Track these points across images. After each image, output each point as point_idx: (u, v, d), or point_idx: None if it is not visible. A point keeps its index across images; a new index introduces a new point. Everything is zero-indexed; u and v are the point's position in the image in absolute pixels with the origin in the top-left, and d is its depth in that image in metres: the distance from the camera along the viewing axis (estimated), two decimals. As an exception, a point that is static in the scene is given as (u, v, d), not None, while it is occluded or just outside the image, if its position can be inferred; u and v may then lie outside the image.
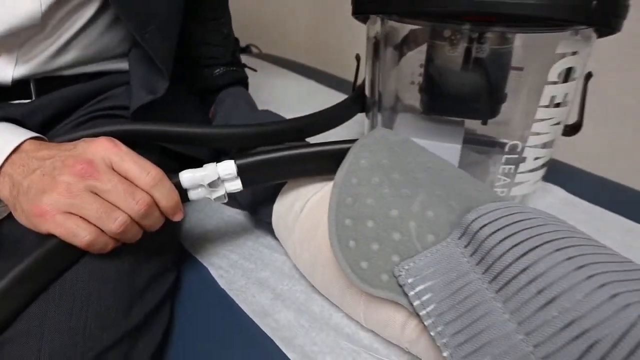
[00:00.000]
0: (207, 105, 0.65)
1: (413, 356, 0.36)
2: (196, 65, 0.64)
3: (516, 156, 0.46)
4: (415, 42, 0.54)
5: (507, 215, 0.30)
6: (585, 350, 0.24)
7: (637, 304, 0.24)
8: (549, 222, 0.30)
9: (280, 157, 0.40)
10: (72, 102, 0.50)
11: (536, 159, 0.46)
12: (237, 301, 0.43)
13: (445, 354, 0.28)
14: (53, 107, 0.48)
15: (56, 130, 0.48)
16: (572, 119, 0.52)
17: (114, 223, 0.33)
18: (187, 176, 0.38)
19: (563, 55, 0.40)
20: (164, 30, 0.50)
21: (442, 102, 0.55)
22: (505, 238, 0.29)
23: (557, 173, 0.61)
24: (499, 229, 0.29)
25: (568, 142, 0.54)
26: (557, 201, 0.57)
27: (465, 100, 0.53)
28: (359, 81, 0.63)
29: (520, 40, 0.48)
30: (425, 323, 0.30)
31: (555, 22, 0.38)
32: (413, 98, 0.59)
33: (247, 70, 0.72)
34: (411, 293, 0.31)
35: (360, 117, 0.61)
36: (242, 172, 0.39)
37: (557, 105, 0.43)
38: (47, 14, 0.44)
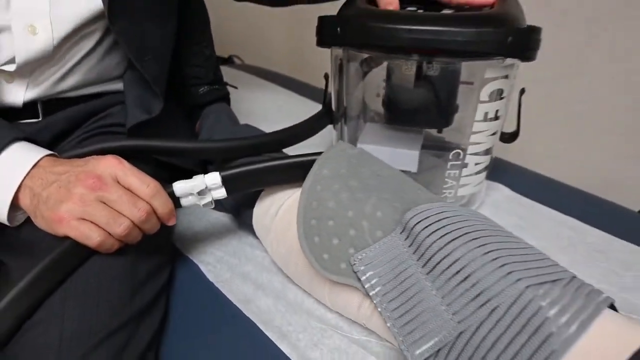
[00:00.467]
0: (194, 119, 0.72)
1: (370, 331, 0.43)
2: (183, 84, 0.71)
3: (459, 162, 0.54)
4: (375, 63, 0.61)
5: (437, 214, 0.38)
6: (489, 314, 0.31)
7: (526, 279, 0.32)
8: (470, 218, 0.38)
9: (258, 169, 0.47)
10: (74, 121, 0.56)
11: (477, 164, 0.54)
12: (223, 291, 0.49)
13: (388, 325, 0.36)
14: (59, 126, 0.54)
15: (62, 147, 0.55)
16: (512, 127, 0.60)
17: (120, 227, 0.40)
18: (179, 186, 0.45)
19: (493, 79, 0.48)
20: (159, 57, 0.57)
21: (400, 114, 0.62)
22: (433, 232, 0.36)
23: (503, 172, 0.69)
24: (429, 225, 0.37)
25: (517, 144, 0.62)
26: (502, 198, 0.64)
27: (421, 112, 0.61)
28: (329, 97, 0.71)
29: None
30: (374, 302, 0.37)
31: (480, 54, 0.45)
32: (379, 109, 0.66)
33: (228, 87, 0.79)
34: (363, 278, 0.38)
35: (331, 127, 0.68)
36: (225, 182, 0.46)
37: (491, 119, 0.51)
38: (57, 47, 0.50)
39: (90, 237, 0.39)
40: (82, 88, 0.57)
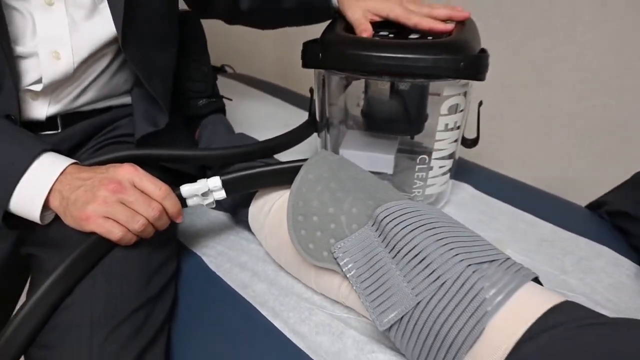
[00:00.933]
0: (193, 128, 0.80)
1: (350, 309, 0.51)
2: (183, 97, 0.79)
3: (425, 165, 0.62)
4: (353, 78, 0.69)
5: (400, 209, 0.46)
6: (439, 287, 0.39)
7: (468, 259, 0.40)
8: (428, 213, 0.46)
9: (253, 174, 0.54)
10: (89, 133, 0.64)
11: (441, 167, 0.63)
12: (224, 279, 0.57)
13: (361, 300, 0.44)
14: (76, 137, 0.62)
15: (79, 156, 0.62)
16: (474, 134, 0.69)
17: (137, 224, 0.47)
18: (186, 189, 0.53)
19: (451, 96, 0.57)
20: (164, 76, 0.65)
21: (377, 123, 0.70)
22: (397, 224, 0.44)
23: (469, 173, 0.77)
24: (394, 218, 0.45)
25: (485, 146, 0.70)
26: (467, 196, 0.73)
27: (395, 121, 0.69)
28: (314, 108, 0.78)
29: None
30: (350, 282, 0.45)
31: (438, 76, 0.54)
32: (358, 117, 0.74)
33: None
34: (341, 263, 0.46)
35: (316, 135, 0.75)
36: (225, 184, 0.54)
37: (451, 129, 0.59)
38: (77, 68, 0.57)
39: (113, 232, 0.47)
40: (95, 102, 0.64)
